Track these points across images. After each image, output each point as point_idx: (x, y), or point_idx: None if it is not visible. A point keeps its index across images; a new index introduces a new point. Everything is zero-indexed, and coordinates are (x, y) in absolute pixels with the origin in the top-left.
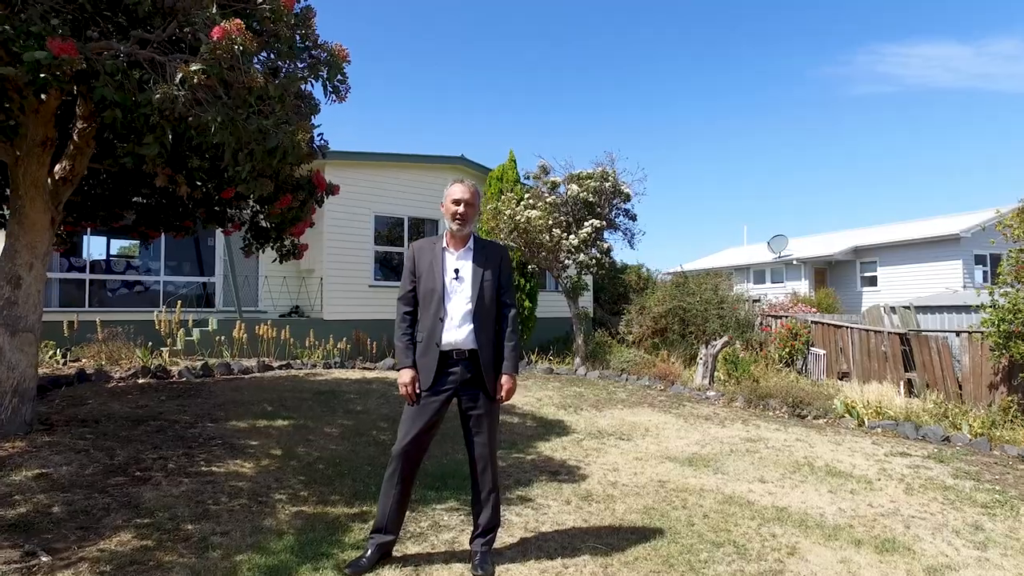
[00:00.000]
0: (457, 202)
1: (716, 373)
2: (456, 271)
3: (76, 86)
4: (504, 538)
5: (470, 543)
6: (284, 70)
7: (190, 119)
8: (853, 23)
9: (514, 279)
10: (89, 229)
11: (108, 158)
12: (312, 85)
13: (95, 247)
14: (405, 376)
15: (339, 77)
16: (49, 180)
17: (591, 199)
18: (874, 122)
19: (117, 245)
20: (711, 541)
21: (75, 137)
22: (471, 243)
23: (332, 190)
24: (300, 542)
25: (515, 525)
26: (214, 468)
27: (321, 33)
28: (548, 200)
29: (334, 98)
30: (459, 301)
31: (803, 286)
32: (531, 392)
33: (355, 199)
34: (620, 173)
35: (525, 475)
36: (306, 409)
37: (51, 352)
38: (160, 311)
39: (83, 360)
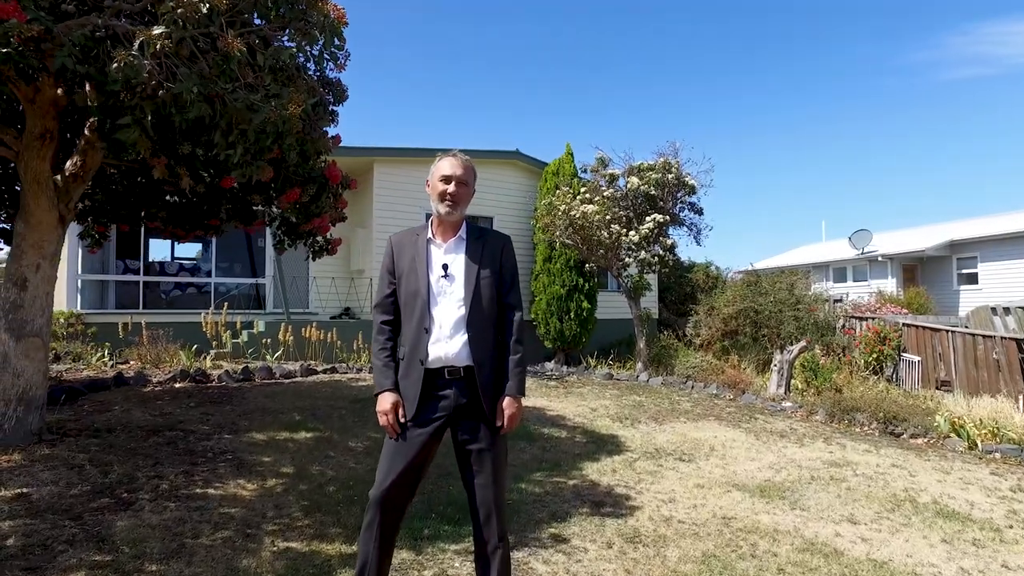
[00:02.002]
0: (446, 179)
1: (792, 381)
2: (445, 267)
3: (36, 59)
4: None
5: None
6: (276, 39)
7: (161, 93)
8: (942, 2)
9: (541, 269)
10: (142, 230)
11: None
12: (311, 56)
13: (156, 249)
14: (384, 402)
15: (336, 42)
16: (59, 177)
17: (653, 192)
18: (969, 107)
19: (180, 247)
20: None
21: (85, 131)
22: (464, 231)
23: (348, 183)
24: None
25: None
26: (210, 490)
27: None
28: (606, 194)
29: (331, 66)
30: (449, 305)
31: (889, 284)
32: (586, 401)
33: (405, 197)
34: (684, 164)
35: (563, 506)
36: (336, 419)
37: (99, 354)
38: (207, 313)
39: (131, 362)
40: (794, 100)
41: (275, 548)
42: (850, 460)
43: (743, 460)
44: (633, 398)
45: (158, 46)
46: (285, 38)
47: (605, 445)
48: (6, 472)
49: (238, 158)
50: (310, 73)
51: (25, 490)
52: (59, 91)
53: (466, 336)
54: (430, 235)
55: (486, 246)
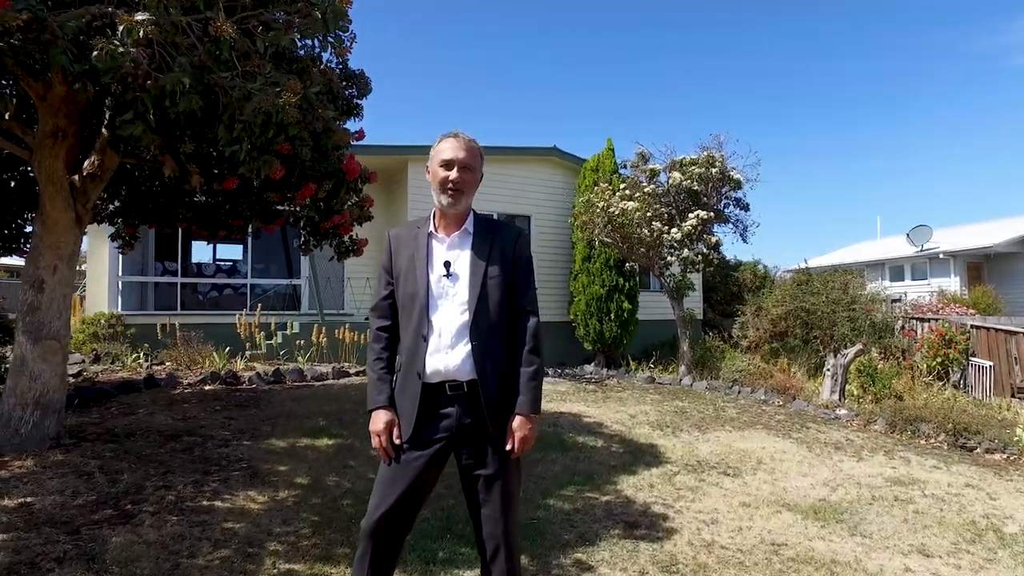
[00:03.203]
0: (447, 163)
1: (847, 387)
2: (447, 265)
3: (38, 53)
4: None
5: None
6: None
7: (148, 83)
8: None
9: (580, 269)
10: (179, 232)
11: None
12: (317, 42)
13: (200, 252)
14: (377, 422)
15: (340, 24)
16: (76, 177)
17: (696, 188)
18: None
19: (222, 249)
20: None
21: (104, 130)
22: (470, 224)
23: (367, 177)
24: None
25: None
26: (217, 502)
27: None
28: (647, 190)
29: (333, 52)
30: (450, 310)
31: (952, 283)
32: (625, 406)
33: None
34: (729, 157)
35: (593, 526)
36: (361, 425)
37: (134, 356)
38: (241, 314)
39: (166, 364)
40: (846, 90)
41: (275, 571)
42: (916, 478)
43: (794, 475)
44: (675, 404)
45: (141, 33)
46: (294, 27)
47: (643, 456)
48: (15, 479)
49: (244, 154)
50: (331, 65)
51: (29, 499)
52: (73, 87)
53: (469, 346)
54: (431, 229)
55: (496, 240)
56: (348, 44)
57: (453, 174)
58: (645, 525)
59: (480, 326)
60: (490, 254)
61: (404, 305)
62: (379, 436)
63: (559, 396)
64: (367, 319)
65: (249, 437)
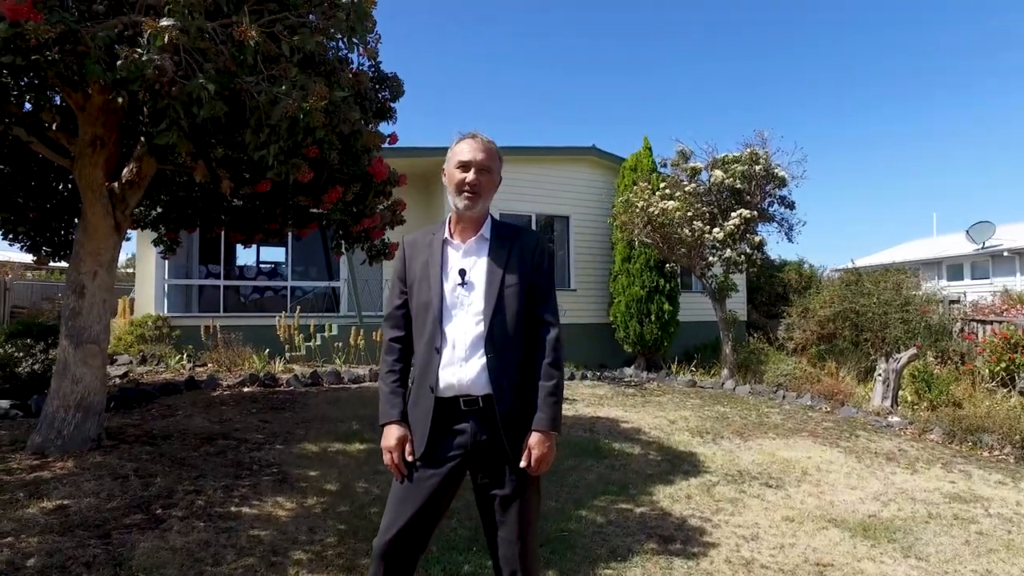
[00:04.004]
0: (464, 165)
1: (900, 392)
2: (462, 273)
3: (72, 66)
4: None
5: None
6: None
7: (173, 89)
8: None
9: (620, 270)
10: (222, 235)
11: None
12: (343, 42)
13: (244, 255)
14: (389, 437)
15: (365, 25)
16: (116, 184)
17: (738, 186)
18: None
19: (266, 252)
20: None
21: (142, 138)
22: (487, 229)
23: (396, 180)
24: None
25: None
26: (245, 508)
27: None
28: (687, 189)
29: (360, 54)
30: (465, 320)
31: (1017, 283)
32: (665, 411)
33: None
34: (773, 154)
35: (626, 540)
36: None
37: (178, 357)
38: (280, 316)
39: (208, 365)
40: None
41: None
42: (979, 494)
43: (842, 488)
44: (716, 409)
45: (166, 38)
46: (318, 28)
47: (681, 465)
48: (55, 480)
49: (271, 158)
50: (363, 68)
51: (66, 502)
52: (108, 96)
53: (485, 358)
54: (447, 235)
55: (514, 247)
56: (373, 44)
57: (470, 176)
58: (681, 540)
59: (496, 338)
60: (508, 261)
61: (417, 315)
62: (391, 452)
63: (597, 400)
64: None
65: (282, 441)
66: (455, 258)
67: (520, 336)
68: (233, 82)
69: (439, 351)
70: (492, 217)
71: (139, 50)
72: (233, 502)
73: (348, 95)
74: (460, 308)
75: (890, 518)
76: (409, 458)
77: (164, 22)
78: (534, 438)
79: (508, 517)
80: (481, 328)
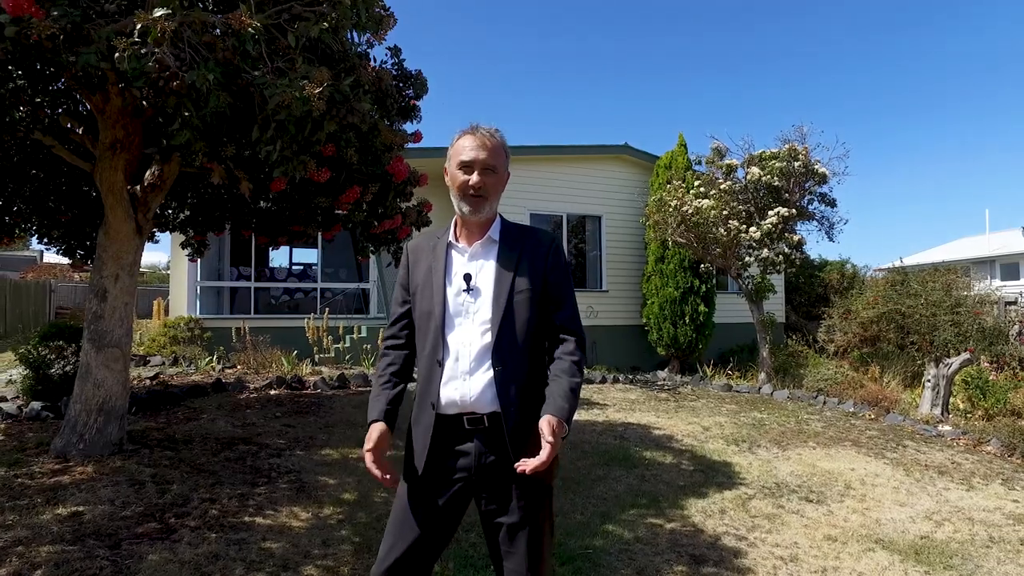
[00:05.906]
0: (466, 165)
1: (951, 400)
2: (467, 278)
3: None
4: None
5: None
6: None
7: (175, 84)
8: None
9: (653, 270)
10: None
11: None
12: (353, 32)
13: (278, 257)
14: (368, 438)
15: (373, 12)
16: (138, 187)
17: (776, 183)
18: None
19: (298, 253)
20: None
21: (163, 141)
22: (495, 231)
23: (417, 180)
24: None
25: None
26: (259, 518)
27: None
28: (723, 187)
29: (369, 37)
30: (469, 330)
31: None
32: (699, 417)
33: (508, 196)
34: (813, 150)
35: (654, 560)
36: None
37: (208, 359)
38: (309, 318)
39: (237, 367)
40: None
41: None
42: None
43: (889, 504)
44: (753, 415)
45: (159, 29)
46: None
47: (715, 475)
48: (73, 486)
49: (277, 154)
50: (385, 66)
51: (80, 508)
52: (126, 98)
53: (492, 372)
54: (451, 238)
55: (526, 249)
56: (383, 31)
57: (474, 178)
58: (713, 560)
59: (504, 349)
60: (518, 265)
61: (420, 325)
62: (369, 453)
63: (628, 404)
64: None
65: (303, 447)
66: (460, 262)
67: (531, 348)
68: (240, 76)
69: (441, 363)
70: (502, 217)
71: (136, 39)
72: (247, 511)
73: (357, 83)
74: (464, 316)
75: (945, 540)
76: (392, 471)
77: (156, 12)
78: (544, 421)
79: (516, 548)
80: (488, 338)
